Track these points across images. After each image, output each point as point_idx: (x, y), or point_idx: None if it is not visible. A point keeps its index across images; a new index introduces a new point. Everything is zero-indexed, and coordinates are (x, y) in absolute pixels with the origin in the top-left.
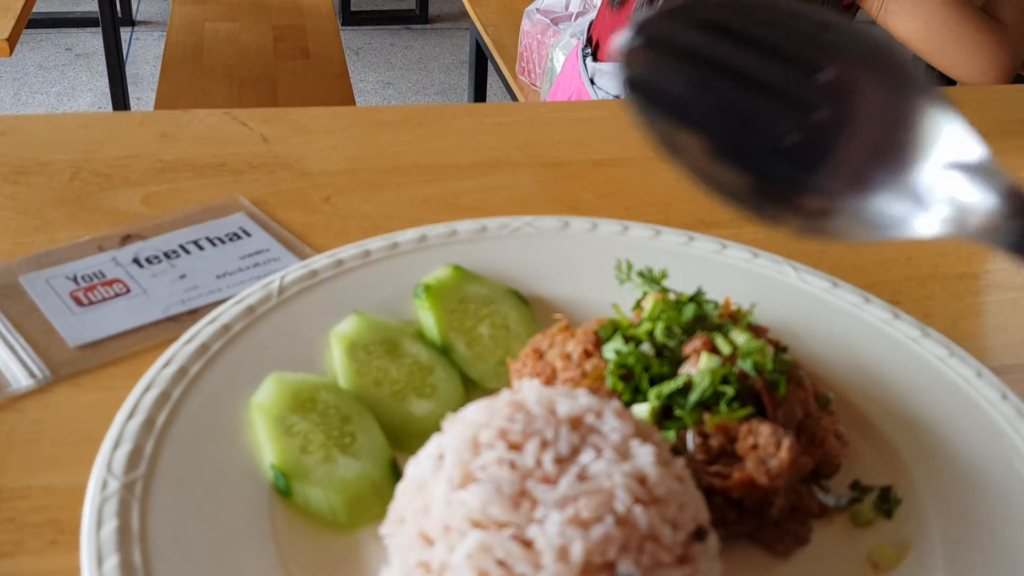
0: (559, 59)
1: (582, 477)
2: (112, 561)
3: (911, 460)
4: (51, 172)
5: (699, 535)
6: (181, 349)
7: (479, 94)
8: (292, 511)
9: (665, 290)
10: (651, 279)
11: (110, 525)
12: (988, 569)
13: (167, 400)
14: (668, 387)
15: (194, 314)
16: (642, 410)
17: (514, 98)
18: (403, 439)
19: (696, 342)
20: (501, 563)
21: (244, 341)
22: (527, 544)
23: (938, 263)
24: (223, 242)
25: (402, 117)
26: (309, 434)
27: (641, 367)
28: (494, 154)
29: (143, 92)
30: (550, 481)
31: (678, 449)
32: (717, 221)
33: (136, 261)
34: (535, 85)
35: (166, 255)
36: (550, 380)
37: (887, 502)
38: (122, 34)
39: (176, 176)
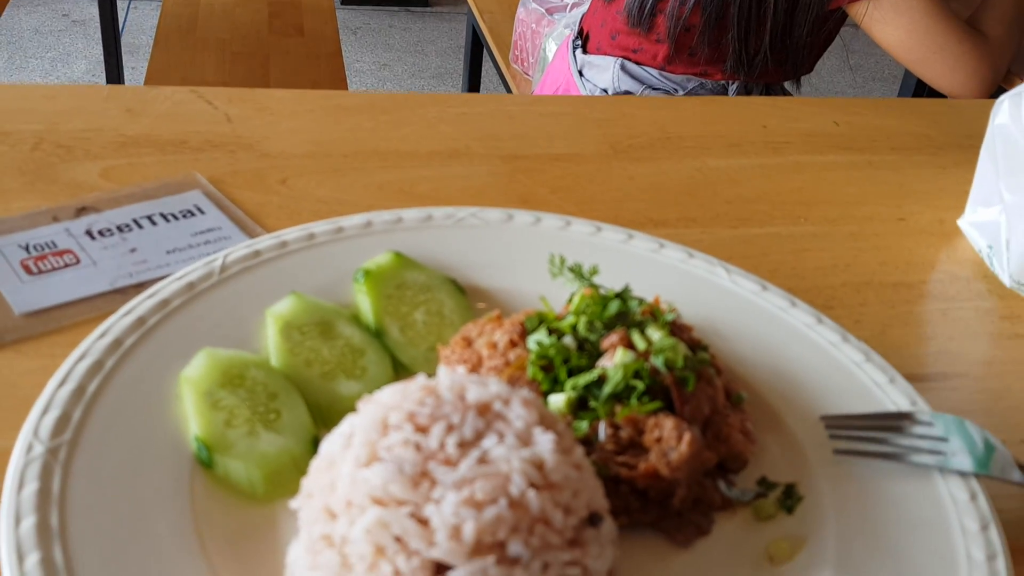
0: (552, 49)
1: (482, 461)
2: (29, 521)
3: (817, 461)
4: (13, 142)
5: (592, 520)
6: (118, 321)
7: (473, 81)
8: (212, 482)
9: (595, 286)
10: (581, 274)
11: (31, 487)
12: (875, 568)
13: (99, 369)
14: (584, 379)
15: (141, 288)
16: (558, 400)
17: (507, 86)
18: (329, 418)
19: (613, 337)
20: (397, 539)
21: (181, 316)
22: (423, 522)
23: (876, 271)
24: (176, 218)
25: (366, 103)
26: (235, 409)
27: (561, 358)
28: (453, 144)
29: (138, 62)
30: (451, 463)
31: (590, 439)
32: (664, 220)
33: (89, 233)
34: (527, 74)
35: (119, 228)
36: (476, 367)
37: (790, 498)
38: (121, 3)
39: (137, 151)
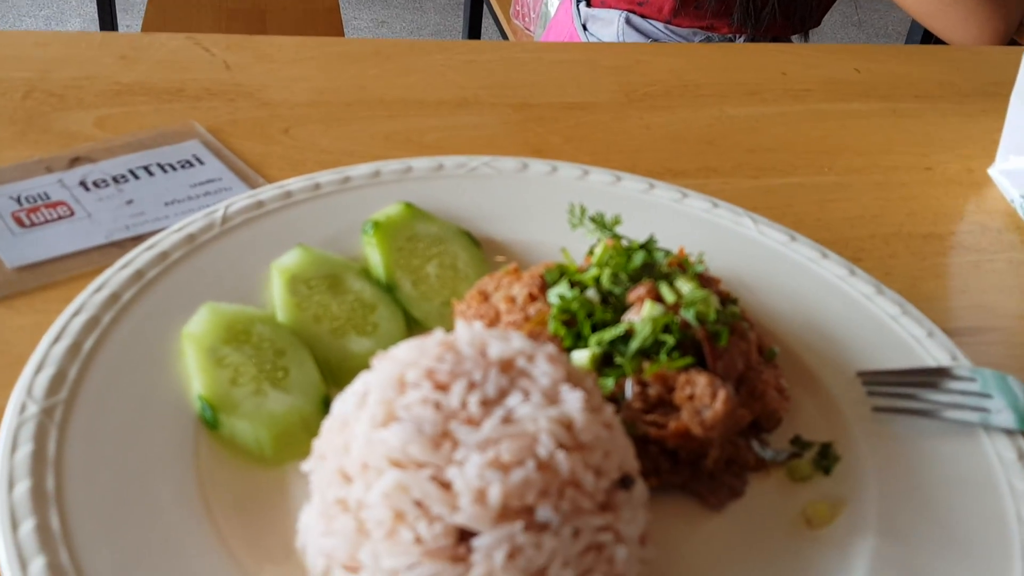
0: (554, 3)
1: (507, 420)
2: (24, 486)
3: (854, 418)
4: (3, 90)
5: (624, 483)
6: (115, 275)
7: (473, 37)
8: (217, 443)
9: (617, 236)
10: (603, 225)
11: (25, 449)
12: (921, 532)
13: (96, 325)
14: (609, 334)
15: (138, 241)
16: (582, 356)
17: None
18: (340, 376)
19: (640, 289)
20: (418, 503)
21: (181, 270)
22: (445, 485)
23: (904, 222)
24: (174, 169)
25: (370, 50)
26: (240, 366)
27: (584, 313)
28: (462, 92)
29: (133, 19)
30: (474, 423)
31: (616, 397)
32: (683, 170)
33: (83, 184)
34: (529, 30)
35: (114, 179)
36: (493, 323)
37: (826, 458)
38: None
39: (132, 100)
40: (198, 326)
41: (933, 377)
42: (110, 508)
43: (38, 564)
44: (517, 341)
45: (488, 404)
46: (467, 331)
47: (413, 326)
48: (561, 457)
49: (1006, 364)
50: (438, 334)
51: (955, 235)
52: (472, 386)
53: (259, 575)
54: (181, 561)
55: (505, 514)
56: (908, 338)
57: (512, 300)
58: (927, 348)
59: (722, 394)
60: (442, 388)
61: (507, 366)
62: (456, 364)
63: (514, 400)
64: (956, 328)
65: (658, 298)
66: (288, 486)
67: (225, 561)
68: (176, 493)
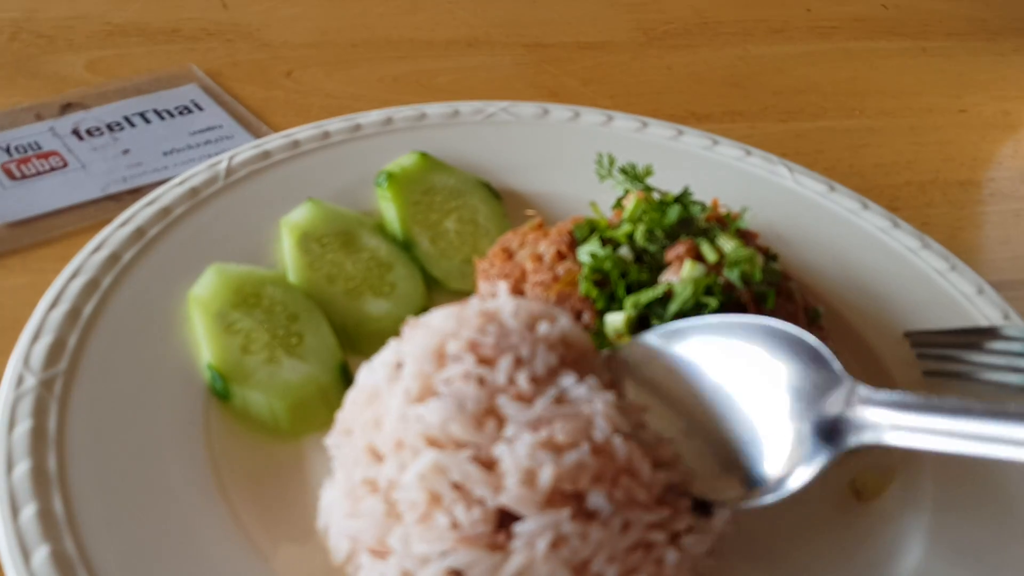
0: None
1: (560, 400)
2: (23, 467)
3: (903, 382)
4: None
5: (703, 508)
6: (114, 233)
7: None
8: (229, 416)
9: (649, 188)
10: (634, 176)
11: (23, 426)
12: (977, 506)
13: (96, 288)
14: (646, 295)
15: (136, 193)
16: (616, 319)
17: None
18: (356, 341)
19: (680, 248)
20: (456, 486)
21: (185, 227)
22: (489, 465)
23: (940, 168)
24: (172, 116)
25: None
26: (252, 332)
27: (618, 273)
28: (473, 32)
29: None
30: (525, 400)
31: None
32: (709, 114)
33: (76, 132)
34: None
35: (109, 127)
36: (519, 282)
37: None
38: None
39: (125, 41)
40: (205, 289)
41: (983, 337)
42: (117, 488)
43: (42, 553)
44: (564, 320)
45: (539, 382)
46: (510, 301)
47: (432, 286)
48: (618, 442)
49: None
50: (475, 302)
51: (994, 182)
52: (520, 362)
53: (277, 558)
54: (194, 547)
55: (554, 499)
56: (957, 295)
57: (539, 258)
58: (977, 305)
59: None
60: (487, 362)
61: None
62: (501, 337)
63: (567, 380)
64: (999, 281)
65: (698, 257)
66: (306, 460)
67: (241, 545)
68: (187, 472)
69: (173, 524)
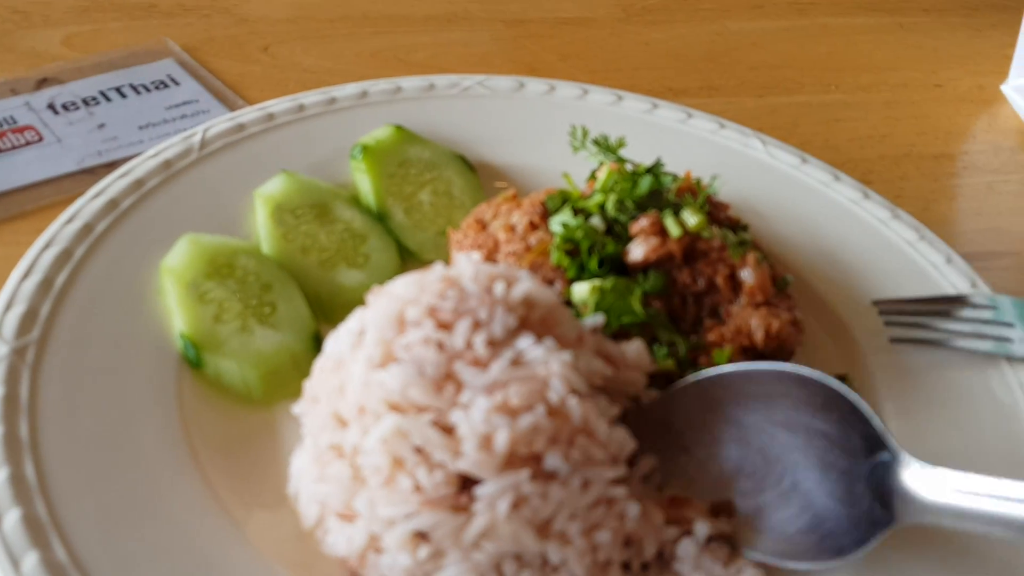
0: None
1: (516, 363)
2: None
3: (870, 349)
4: None
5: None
6: (87, 204)
7: None
8: (202, 384)
9: (622, 160)
10: (607, 147)
11: None
12: (941, 461)
13: (68, 259)
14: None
15: (112, 167)
16: (582, 289)
17: None
18: (330, 311)
19: (643, 221)
20: (418, 450)
21: (158, 198)
22: (448, 430)
23: (915, 142)
24: (148, 90)
25: None
26: (225, 302)
27: (588, 243)
28: (451, 7)
29: None
30: (480, 364)
31: None
32: (686, 89)
33: (51, 107)
34: None
35: (85, 102)
36: (492, 253)
37: None
38: None
39: (102, 16)
40: (178, 259)
41: (951, 305)
42: (89, 455)
43: (13, 517)
44: (525, 281)
45: (496, 345)
46: (470, 266)
47: (407, 257)
48: (574, 403)
49: (1022, 291)
50: (438, 269)
51: (967, 155)
52: (478, 325)
53: (249, 524)
54: (166, 511)
55: (511, 461)
56: (925, 264)
57: (512, 229)
58: (945, 275)
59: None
60: (445, 327)
61: (516, 304)
62: (460, 302)
63: (525, 342)
64: (971, 253)
65: (662, 231)
66: (278, 428)
67: (213, 510)
68: (159, 438)
69: (146, 490)
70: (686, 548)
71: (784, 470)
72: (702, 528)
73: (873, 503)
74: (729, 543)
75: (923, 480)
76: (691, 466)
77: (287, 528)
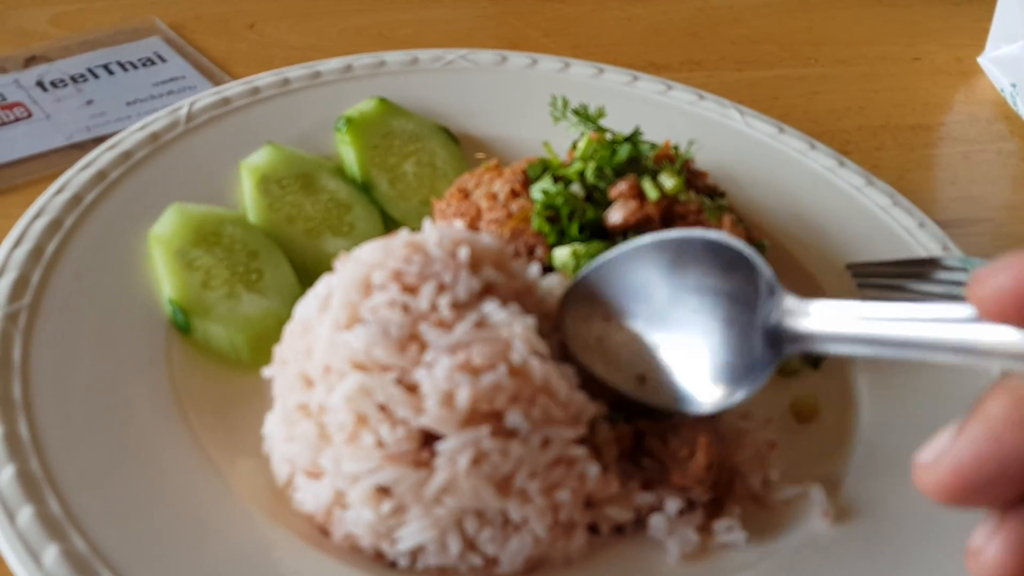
0: None
1: (481, 324)
2: None
3: None
4: None
5: None
6: (76, 176)
7: None
8: (191, 348)
9: (602, 129)
10: (587, 117)
11: None
12: (908, 420)
13: (58, 228)
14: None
15: (100, 142)
16: (563, 253)
17: None
18: (316, 278)
19: (622, 185)
20: (381, 407)
21: (146, 170)
22: (411, 388)
23: (891, 113)
24: (135, 67)
25: None
26: (212, 269)
27: (568, 209)
28: None
29: None
30: (445, 326)
31: None
32: (667, 64)
33: (40, 84)
34: None
35: (73, 79)
36: (475, 220)
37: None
38: None
39: None
40: (165, 227)
41: (923, 268)
42: (81, 414)
43: (8, 472)
44: (486, 242)
45: (460, 308)
46: (435, 231)
47: (391, 226)
48: (535, 363)
49: (995, 255)
50: (404, 234)
51: (944, 126)
52: (442, 288)
53: (235, 476)
54: (156, 465)
55: (472, 418)
56: (899, 229)
57: (493, 197)
58: (918, 239)
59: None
60: (410, 290)
61: (478, 267)
62: (425, 266)
63: (489, 306)
64: (945, 220)
65: (640, 194)
66: (265, 391)
67: (200, 463)
68: (149, 397)
69: (135, 445)
70: (658, 520)
71: (694, 333)
72: (672, 504)
73: (764, 347)
74: (704, 511)
75: (798, 313)
76: (614, 341)
77: (270, 480)
